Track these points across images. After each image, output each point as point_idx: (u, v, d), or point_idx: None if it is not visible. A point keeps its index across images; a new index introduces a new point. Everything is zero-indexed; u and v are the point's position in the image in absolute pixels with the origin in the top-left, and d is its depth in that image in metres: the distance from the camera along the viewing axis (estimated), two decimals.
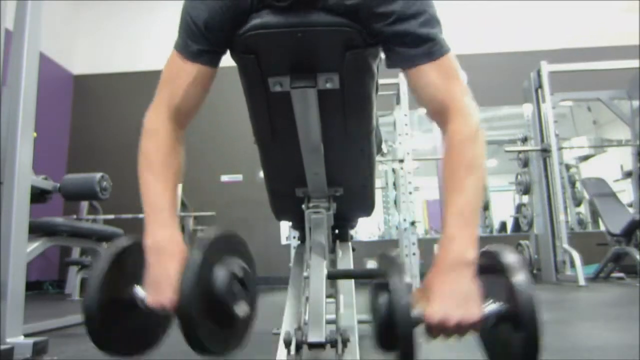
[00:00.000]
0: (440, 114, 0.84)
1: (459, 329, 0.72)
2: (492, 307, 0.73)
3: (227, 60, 0.97)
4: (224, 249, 0.81)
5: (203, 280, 0.74)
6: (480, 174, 0.79)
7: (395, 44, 0.83)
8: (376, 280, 0.81)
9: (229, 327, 0.80)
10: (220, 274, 0.77)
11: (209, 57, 0.88)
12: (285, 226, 5.26)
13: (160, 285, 0.77)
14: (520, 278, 0.70)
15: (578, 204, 5.90)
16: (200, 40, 0.86)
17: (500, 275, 0.73)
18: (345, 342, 1.04)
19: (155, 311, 0.77)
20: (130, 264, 0.83)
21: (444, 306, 0.71)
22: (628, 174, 4.80)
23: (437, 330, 0.72)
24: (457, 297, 0.72)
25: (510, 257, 0.73)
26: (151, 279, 0.79)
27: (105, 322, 0.77)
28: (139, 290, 0.80)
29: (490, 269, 0.76)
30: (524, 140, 5.08)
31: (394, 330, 0.69)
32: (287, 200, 1.31)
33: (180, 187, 5.12)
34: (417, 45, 0.81)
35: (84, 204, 4.93)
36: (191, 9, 0.86)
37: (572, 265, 4.01)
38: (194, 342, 0.73)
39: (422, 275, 3.99)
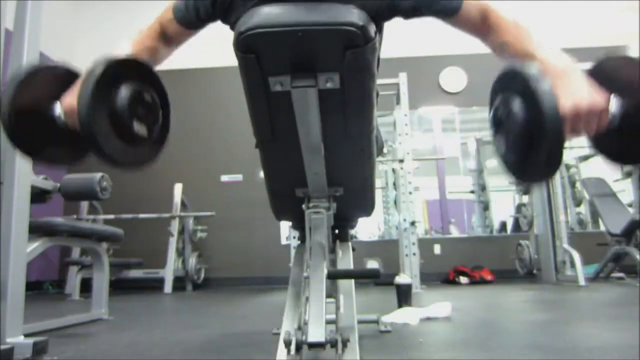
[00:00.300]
0: (482, 20, 0.95)
1: (591, 115, 0.76)
2: (616, 102, 0.76)
3: (226, 60, 0.97)
4: (135, 75, 0.89)
5: (104, 91, 0.81)
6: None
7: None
8: (498, 96, 0.85)
9: (131, 143, 0.88)
10: (123, 92, 0.84)
11: (186, 19, 1.04)
12: (285, 226, 5.26)
13: (73, 91, 0.85)
14: None
15: (578, 204, 5.89)
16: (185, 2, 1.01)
17: (619, 75, 0.77)
18: (345, 342, 1.04)
19: (67, 120, 0.86)
20: (58, 84, 0.89)
21: (572, 94, 0.76)
22: (628, 174, 4.79)
23: (572, 119, 0.76)
24: (580, 88, 0.78)
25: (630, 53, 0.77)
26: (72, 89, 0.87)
27: (22, 125, 0.85)
28: (59, 106, 0.88)
29: (605, 74, 0.80)
30: None
31: (540, 127, 0.72)
32: (287, 200, 1.31)
33: (180, 186, 5.13)
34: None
35: (84, 204, 4.93)
36: None
37: (572, 265, 4.02)
38: (89, 139, 0.79)
39: (423, 275, 3.99)
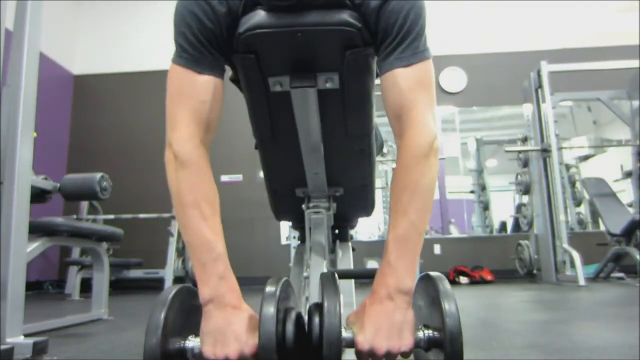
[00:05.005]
0: (399, 120, 0.82)
1: (388, 358, 0.74)
2: (423, 333, 0.77)
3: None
4: (283, 298, 0.79)
5: (278, 335, 0.72)
6: (426, 196, 0.80)
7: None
8: (314, 302, 0.84)
9: None
10: (289, 327, 0.76)
11: (219, 70, 0.86)
12: (285, 226, 5.26)
13: (224, 337, 0.74)
14: (448, 307, 0.74)
15: (578, 204, 5.89)
16: (205, 53, 0.83)
17: (434, 300, 0.77)
18: None
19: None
20: (179, 314, 0.78)
21: (374, 336, 0.73)
22: (628, 174, 4.79)
23: (367, 357, 0.75)
24: (389, 328, 0.74)
25: (442, 285, 0.77)
26: (212, 330, 0.75)
27: None
28: (190, 342, 0.77)
29: (427, 293, 0.80)
30: (524, 140, 5.08)
31: (322, 351, 0.71)
32: (287, 200, 1.31)
33: None
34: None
35: (84, 204, 4.93)
36: (186, 19, 0.82)
37: (572, 265, 4.01)
38: None
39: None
